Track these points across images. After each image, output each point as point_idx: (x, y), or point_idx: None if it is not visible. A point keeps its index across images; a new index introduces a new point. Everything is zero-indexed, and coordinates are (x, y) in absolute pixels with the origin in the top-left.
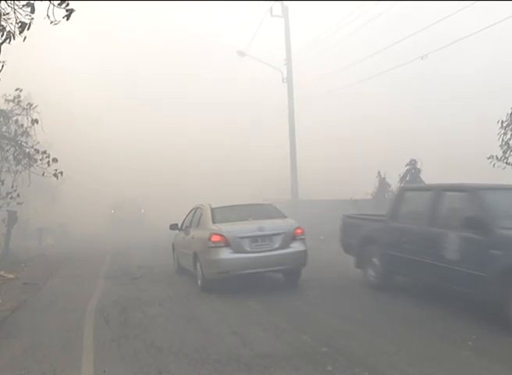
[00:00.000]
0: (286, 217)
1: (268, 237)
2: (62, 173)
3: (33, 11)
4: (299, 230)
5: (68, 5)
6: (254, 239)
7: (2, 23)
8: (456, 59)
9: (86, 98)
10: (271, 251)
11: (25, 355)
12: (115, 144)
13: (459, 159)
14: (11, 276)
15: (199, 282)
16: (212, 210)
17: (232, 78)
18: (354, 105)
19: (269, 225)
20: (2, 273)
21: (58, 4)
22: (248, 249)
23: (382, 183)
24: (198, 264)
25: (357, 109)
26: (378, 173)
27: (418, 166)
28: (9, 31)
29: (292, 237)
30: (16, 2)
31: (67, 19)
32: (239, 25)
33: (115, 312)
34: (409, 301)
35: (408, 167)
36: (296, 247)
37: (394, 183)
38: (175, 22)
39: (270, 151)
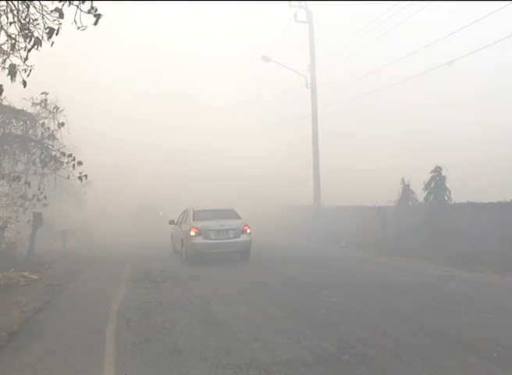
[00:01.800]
0: (240, 218)
1: (225, 231)
2: (86, 176)
3: (61, 16)
4: (246, 227)
5: (96, 10)
6: (217, 231)
7: (30, 27)
8: (483, 66)
9: (111, 101)
10: (227, 239)
11: (47, 356)
12: (139, 148)
13: (483, 167)
14: (35, 277)
15: (184, 257)
16: (194, 212)
17: (255, 83)
18: (378, 111)
19: (227, 223)
20: (26, 273)
21: (88, 11)
22: (213, 237)
23: (406, 190)
24: (183, 246)
25: (381, 115)
26: (402, 179)
27: (443, 174)
28: (37, 37)
29: (241, 231)
30: (45, 8)
31: (95, 25)
32: (263, 31)
33: (138, 316)
34: (431, 307)
35: (433, 174)
36: (243, 237)
37: (418, 190)
38: (200, 28)
39: (293, 156)
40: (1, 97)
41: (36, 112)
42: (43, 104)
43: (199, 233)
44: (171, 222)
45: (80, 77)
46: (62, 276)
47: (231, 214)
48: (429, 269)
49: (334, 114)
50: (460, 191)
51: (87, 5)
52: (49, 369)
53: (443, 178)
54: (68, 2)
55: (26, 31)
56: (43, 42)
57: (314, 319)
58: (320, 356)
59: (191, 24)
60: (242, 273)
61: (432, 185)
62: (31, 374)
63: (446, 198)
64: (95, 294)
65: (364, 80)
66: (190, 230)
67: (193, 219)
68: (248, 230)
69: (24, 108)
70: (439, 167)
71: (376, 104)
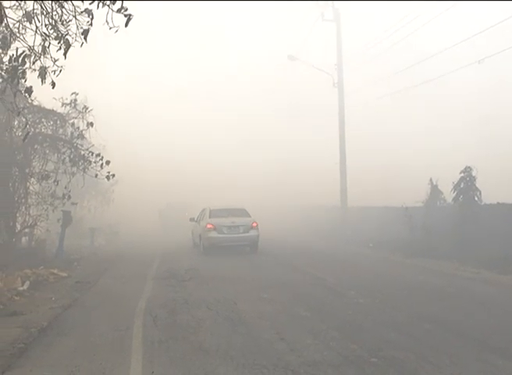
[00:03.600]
0: (250, 216)
1: (237, 226)
2: (114, 175)
3: (92, 17)
4: (254, 224)
5: (126, 9)
6: (229, 227)
7: (62, 29)
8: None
9: (140, 100)
10: (238, 234)
11: (76, 352)
12: (168, 148)
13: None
14: (64, 274)
15: (201, 249)
16: (210, 211)
17: (282, 82)
18: (405, 110)
19: (238, 220)
20: (56, 271)
21: (117, 10)
22: (226, 232)
23: (434, 190)
24: (201, 240)
25: (409, 115)
26: (430, 180)
27: (474, 174)
28: (67, 39)
29: (250, 227)
30: (77, 9)
31: (125, 26)
32: (290, 29)
33: (164, 314)
34: (459, 310)
35: (463, 175)
36: (252, 232)
37: (446, 190)
38: (225, 29)
39: (321, 155)
40: (32, 97)
41: (66, 112)
42: (73, 104)
43: (214, 228)
44: (191, 219)
45: (112, 75)
46: (91, 273)
47: (242, 212)
48: (459, 271)
49: (362, 113)
50: (489, 192)
51: (117, 5)
52: (78, 366)
53: (473, 178)
54: (99, 2)
55: (58, 33)
56: (75, 43)
57: (342, 320)
58: (347, 358)
59: (215, 26)
60: (269, 273)
61: (461, 186)
62: (61, 371)
63: (476, 198)
64: (123, 292)
65: (390, 79)
66: (206, 226)
67: (210, 217)
68: (256, 226)
69: (54, 108)
70: (469, 167)
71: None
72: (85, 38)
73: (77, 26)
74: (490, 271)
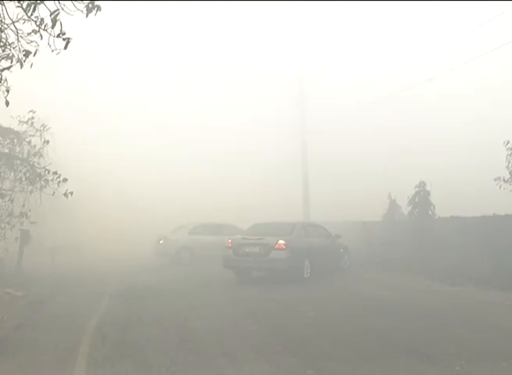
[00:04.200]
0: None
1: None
2: (72, 193)
3: (40, 38)
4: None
5: (65, 33)
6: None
7: (12, 51)
8: (461, 80)
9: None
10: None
11: (19, 371)
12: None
13: (466, 181)
14: (19, 293)
15: None
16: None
17: (245, 100)
18: (365, 126)
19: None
20: (11, 290)
21: (57, 35)
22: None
23: (392, 205)
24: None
25: (368, 131)
26: (389, 194)
27: (428, 189)
28: (18, 58)
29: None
30: (20, 31)
31: (65, 48)
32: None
33: (114, 331)
34: (405, 322)
35: (417, 189)
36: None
37: (404, 205)
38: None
39: (281, 171)
40: None
41: (23, 130)
42: (30, 122)
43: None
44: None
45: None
46: (47, 292)
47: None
48: (411, 284)
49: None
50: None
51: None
52: None
53: (427, 193)
54: (39, 28)
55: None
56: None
57: (288, 334)
58: (286, 370)
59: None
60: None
61: (416, 200)
62: None
63: (430, 212)
64: (76, 310)
65: (350, 96)
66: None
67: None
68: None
69: (11, 127)
70: (423, 182)
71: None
72: (26, 58)
73: (20, 49)
74: (441, 283)
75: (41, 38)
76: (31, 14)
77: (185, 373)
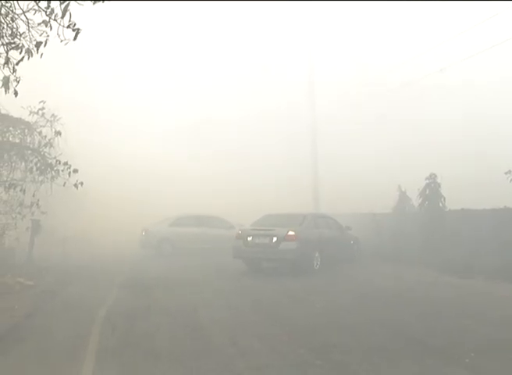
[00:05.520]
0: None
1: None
2: (82, 183)
3: (47, 27)
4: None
5: (75, 24)
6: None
7: (22, 41)
8: (473, 70)
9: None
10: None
11: (29, 358)
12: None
13: (477, 174)
14: (30, 283)
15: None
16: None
17: (255, 93)
18: (376, 118)
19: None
20: (22, 279)
21: (67, 26)
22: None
23: (403, 196)
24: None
25: (379, 122)
26: (399, 186)
27: (438, 181)
28: (28, 48)
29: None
30: (30, 22)
31: (74, 39)
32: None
33: (123, 321)
34: (412, 314)
35: (428, 181)
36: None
37: (415, 196)
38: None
39: (291, 165)
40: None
41: (34, 120)
42: (40, 112)
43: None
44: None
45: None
46: (58, 282)
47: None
48: (421, 276)
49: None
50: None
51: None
52: (28, 372)
53: (438, 185)
54: (49, 19)
55: (14, 45)
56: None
57: (295, 324)
58: (293, 361)
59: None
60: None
61: (426, 192)
62: None
63: (440, 204)
64: (87, 300)
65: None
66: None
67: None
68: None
69: (22, 117)
70: (433, 174)
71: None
72: (38, 49)
73: (31, 39)
74: (451, 276)
75: (51, 29)
76: (46, 7)
77: (193, 363)
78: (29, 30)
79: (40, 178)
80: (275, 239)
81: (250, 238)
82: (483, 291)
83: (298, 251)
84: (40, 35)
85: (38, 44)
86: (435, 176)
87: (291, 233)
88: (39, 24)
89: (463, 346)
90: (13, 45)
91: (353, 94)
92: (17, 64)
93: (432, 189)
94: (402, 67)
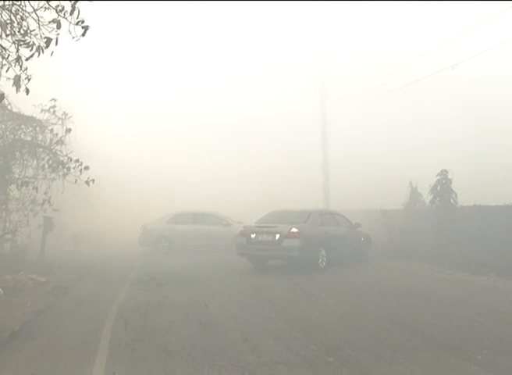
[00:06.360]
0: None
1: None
2: (93, 180)
3: (59, 27)
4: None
5: (83, 21)
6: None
7: (32, 38)
8: (483, 66)
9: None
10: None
11: (42, 355)
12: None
13: (490, 170)
14: (43, 279)
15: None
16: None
17: (264, 90)
18: (386, 115)
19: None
20: (35, 276)
21: (76, 23)
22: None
23: (414, 193)
24: None
25: (389, 119)
26: (410, 183)
27: (450, 177)
28: (39, 46)
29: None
30: (42, 19)
31: (83, 36)
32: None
33: (135, 317)
34: (425, 311)
35: (439, 177)
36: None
37: (426, 193)
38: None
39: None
40: (7, 104)
41: (45, 118)
42: (51, 110)
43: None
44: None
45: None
46: (70, 278)
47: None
48: (433, 273)
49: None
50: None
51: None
52: (41, 368)
53: (449, 181)
54: (58, 16)
55: (22, 43)
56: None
57: (307, 321)
58: (305, 358)
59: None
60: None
61: (438, 188)
62: (24, 372)
63: (452, 201)
64: (99, 296)
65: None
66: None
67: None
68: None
69: (34, 115)
70: (445, 170)
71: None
72: (47, 46)
73: (41, 36)
74: (464, 272)
75: (60, 27)
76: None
77: (205, 359)
78: (39, 27)
79: (52, 175)
80: (277, 236)
81: (253, 235)
82: (496, 288)
83: (301, 248)
84: (50, 32)
85: (48, 41)
86: (447, 172)
87: (294, 230)
88: (50, 22)
89: (475, 343)
90: (23, 43)
91: (363, 92)
92: (27, 60)
93: (444, 185)
94: (412, 64)
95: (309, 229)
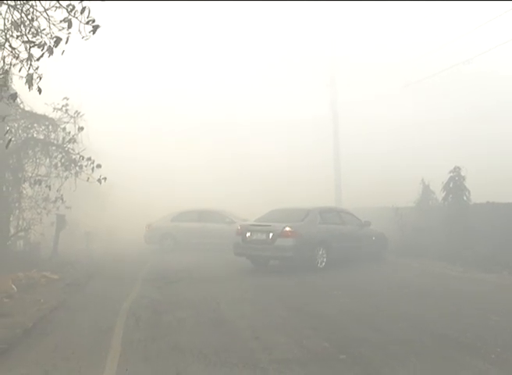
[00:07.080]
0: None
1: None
2: (105, 178)
3: (70, 26)
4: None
5: (94, 21)
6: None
7: (44, 38)
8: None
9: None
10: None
11: (55, 351)
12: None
13: (505, 168)
14: (55, 277)
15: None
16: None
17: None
18: (398, 112)
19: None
20: (48, 273)
21: (86, 22)
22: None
23: (426, 190)
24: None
25: (401, 117)
26: (422, 180)
27: (463, 174)
28: (50, 46)
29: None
30: (52, 19)
31: (93, 34)
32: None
33: (147, 314)
34: (438, 308)
35: (452, 174)
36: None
37: (438, 190)
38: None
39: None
40: (20, 102)
41: (57, 116)
42: (64, 109)
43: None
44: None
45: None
46: (82, 276)
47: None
48: (446, 271)
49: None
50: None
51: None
52: (55, 365)
53: (462, 178)
54: (68, 15)
55: (32, 43)
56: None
57: (319, 318)
58: (317, 355)
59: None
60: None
61: (450, 185)
62: (37, 369)
63: (465, 198)
64: (111, 293)
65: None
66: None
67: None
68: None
69: (46, 113)
70: (457, 167)
71: None
72: (57, 46)
73: (51, 35)
74: (477, 270)
75: (71, 26)
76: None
77: (217, 356)
78: (50, 27)
79: (65, 174)
80: (271, 235)
81: (248, 234)
82: (509, 286)
83: (296, 248)
84: (60, 31)
85: (58, 40)
86: (459, 169)
87: (287, 229)
88: (61, 21)
89: (489, 341)
90: (34, 44)
91: (375, 90)
92: (38, 60)
93: (456, 182)
94: (423, 61)
95: (306, 227)
